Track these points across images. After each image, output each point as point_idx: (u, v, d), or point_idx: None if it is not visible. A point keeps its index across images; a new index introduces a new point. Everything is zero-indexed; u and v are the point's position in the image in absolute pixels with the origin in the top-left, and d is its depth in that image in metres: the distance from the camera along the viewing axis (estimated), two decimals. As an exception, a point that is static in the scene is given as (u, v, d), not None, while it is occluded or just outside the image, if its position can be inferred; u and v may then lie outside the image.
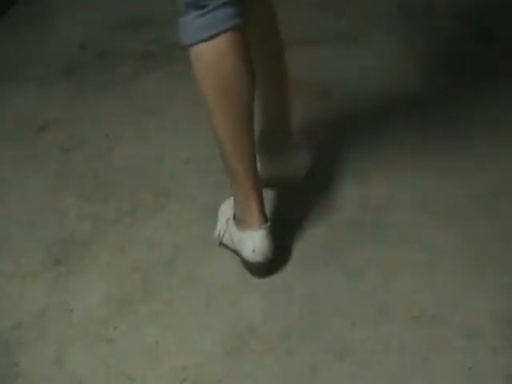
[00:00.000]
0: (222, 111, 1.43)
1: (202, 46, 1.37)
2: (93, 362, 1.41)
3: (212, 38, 1.35)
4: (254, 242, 1.53)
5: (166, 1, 2.89)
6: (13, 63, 2.44)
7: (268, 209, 1.64)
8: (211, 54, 1.38)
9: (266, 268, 1.56)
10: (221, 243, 1.63)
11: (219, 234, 1.63)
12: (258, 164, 1.57)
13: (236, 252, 1.60)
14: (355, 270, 1.58)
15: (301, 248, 1.64)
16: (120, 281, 1.59)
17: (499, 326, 1.44)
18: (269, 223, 1.56)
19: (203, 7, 1.35)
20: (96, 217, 1.76)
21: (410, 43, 2.43)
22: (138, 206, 1.79)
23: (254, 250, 1.53)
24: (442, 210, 1.73)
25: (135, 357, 1.42)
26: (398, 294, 1.52)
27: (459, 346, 1.40)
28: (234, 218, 1.59)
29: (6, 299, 1.56)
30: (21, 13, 2.73)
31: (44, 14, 2.78)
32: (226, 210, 1.64)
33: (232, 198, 1.59)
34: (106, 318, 1.50)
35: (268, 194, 1.77)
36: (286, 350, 1.42)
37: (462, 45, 2.42)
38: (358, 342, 1.42)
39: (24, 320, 1.51)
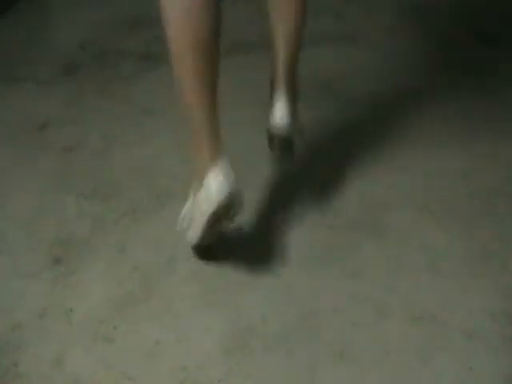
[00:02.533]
0: (188, 59, 1.47)
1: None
2: (93, 362, 1.41)
3: None
4: (209, 186, 1.42)
5: (166, 1, 2.87)
6: (13, 63, 2.44)
7: (268, 208, 1.64)
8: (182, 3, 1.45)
9: (228, 211, 1.46)
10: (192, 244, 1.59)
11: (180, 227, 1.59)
12: None
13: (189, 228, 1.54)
14: (355, 269, 1.58)
15: (301, 248, 1.63)
16: (120, 281, 1.59)
17: (499, 326, 1.44)
18: (225, 156, 1.46)
19: None
20: (96, 217, 1.76)
21: (410, 43, 2.43)
22: (138, 206, 1.79)
23: (209, 194, 1.42)
24: (442, 209, 1.73)
25: (135, 357, 1.42)
26: (398, 294, 1.52)
27: (459, 346, 1.40)
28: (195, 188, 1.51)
29: (6, 299, 1.56)
30: (21, 13, 2.73)
31: (44, 13, 2.78)
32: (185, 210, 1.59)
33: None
34: (106, 318, 1.50)
35: (268, 194, 1.77)
36: (286, 350, 1.42)
37: (462, 45, 2.42)
38: (358, 342, 1.42)
39: (24, 320, 1.50)
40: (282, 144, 1.68)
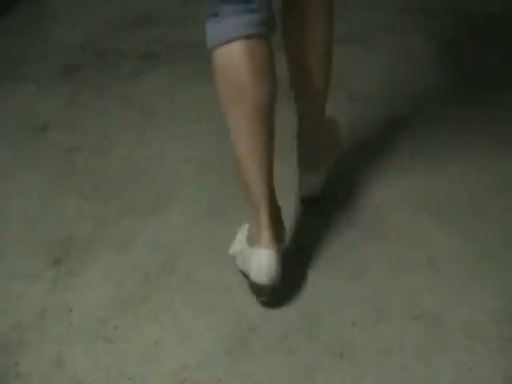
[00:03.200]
0: (232, 112, 1.41)
1: (217, 50, 1.39)
2: (93, 362, 1.41)
3: (225, 43, 1.37)
4: (259, 260, 1.44)
5: (166, 1, 2.90)
6: (13, 63, 2.44)
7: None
8: (223, 59, 1.39)
9: (270, 292, 1.47)
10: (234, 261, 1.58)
11: (233, 254, 1.58)
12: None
13: (245, 274, 1.52)
14: (355, 269, 1.58)
15: (301, 248, 1.63)
16: (120, 281, 1.59)
17: (499, 326, 1.44)
18: (281, 244, 1.48)
19: (216, 15, 1.38)
20: (96, 217, 1.76)
21: (410, 43, 2.43)
22: (138, 206, 1.79)
23: (259, 268, 1.44)
24: (442, 209, 1.73)
25: (135, 357, 1.42)
26: (398, 294, 1.52)
27: (459, 346, 1.40)
28: (247, 234, 1.53)
29: (6, 299, 1.56)
30: (21, 13, 2.74)
31: (44, 14, 2.78)
32: (242, 233, 1.58)
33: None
34: (106, 318, 1.50)
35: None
36: (286, 350, 1.42)
37: (462, 45, 2.42)
38: (358, 342, 1.42)
39: (24, 320, 1.50)
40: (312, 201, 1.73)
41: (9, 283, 1.60)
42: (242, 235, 1.57)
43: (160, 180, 1.87)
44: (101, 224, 1.74)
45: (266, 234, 1.45)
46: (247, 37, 1.36)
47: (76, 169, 1.93)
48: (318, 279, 1.57)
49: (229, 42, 1.36)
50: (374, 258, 1.60)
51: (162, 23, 2.63)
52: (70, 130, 2.09)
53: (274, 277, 1.45)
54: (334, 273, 1.57)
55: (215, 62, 1.40)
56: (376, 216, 1.71)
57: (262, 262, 1.44)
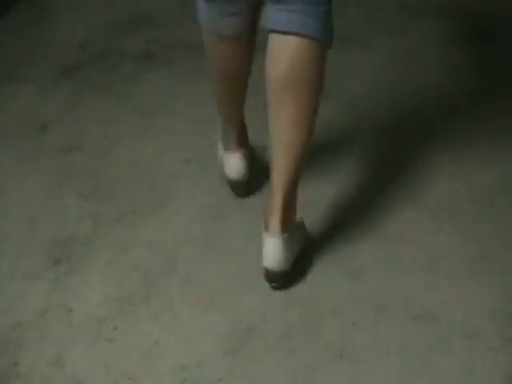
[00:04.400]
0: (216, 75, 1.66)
1: (209, 32, 1.57)
2: (93, 361, 1.41)
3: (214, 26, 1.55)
4: (230, 162, 1.75)
5: (166, 1, 2.90)
6: (13, 63, 2.44)
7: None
8: (216, 45, 1.58)
9: (242, 187, 1.77)
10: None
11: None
12: None
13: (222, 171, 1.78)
14: (355, 269, 1.58)
15: (301, 248, 1.63)
16: (120, 281, 1.59)
17: (499, 325, 1.44)
18: (244, 150, 1.75)
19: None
20: (96, 217, 1.76)
21: (410, 43, 2.43)
22: (138, 206, 1.79)
23: (230, 169, 1.74)
24: (441, 209, 1.73)
25: (135, 357, 1.42)
26: (398, 294, 1.52)
27: (459, 346, 1.40)
28: (222, 140, 1.79)
29: (6, 299, 1.56)
30: (21, 13, 2.73)
31: (44, 14, 2.78)
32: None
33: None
34: (106, 317, 1.50)
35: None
36: (286, 350, 1.42)
37: (462, 45, 2.42)
38: (358, 342, 1.42)
39: (24, 320, 1.51)
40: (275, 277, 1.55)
41: (9, 283, 1.60)
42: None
43: (160, 180, 1.87)
44: (101, 224, 1.74)
45: (234, 142, 1.75)
46: (222, 36, 1.54)
47: (76, 169, 1.93)
48: (318, 279, 1.57)
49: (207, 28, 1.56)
50: (374, 258, 1.60)
51: (162, 23, 2.63)
52: (70, 130, 2.09)
53: (244, 175, 1.75)
54: (334, 273, 1.57)
55: (208, 42, 1.61)
56: (376, 216, 1.71)
57: (233, 163, 1.75)
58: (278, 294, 1.53)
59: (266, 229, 1.51)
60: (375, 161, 1.89)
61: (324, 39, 1.40)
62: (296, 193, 1.53)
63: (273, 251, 1.49)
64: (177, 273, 1.60)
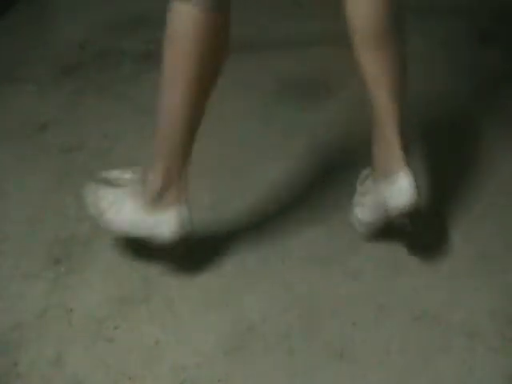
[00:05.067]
0: (173, 70, 1.54)
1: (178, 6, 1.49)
2: (93, 362, 1.41)
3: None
4: (176, 219, 1.49)
5: (166, 1, 2.89)
6: (13, 63, 2.44)
7: (267, 208, 1.63)
8: (173, 24, 1.49)
9: (178, 246, 1.53)
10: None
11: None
12: None
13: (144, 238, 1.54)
14: (355, 270, 1.58)
15: (301, 248, 1.63)
16: (120, 281, 1.59)
17: (499, 325, 1.44)
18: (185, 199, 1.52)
19: None
20: (96, 217, 1.76)
21: (410, 43, 2.43)
22: (138, 206, 1.78)
23: (172, 230, 1.49)
24: (441, 209, 1.73)
25: (135, 357, 1.42)
26: (398, 294, 1.52)
27: (459, 346, 1.40)
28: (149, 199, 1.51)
29: (6, 299, 1.56)
30: (21, 13, 2.73)
31: (44, 14, 2.78)
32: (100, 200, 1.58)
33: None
34: (106, 317, 1.50)
35: (266, 193, 1.77)
36: (286, 350, 1.42)
37: (462, 45, 2.42)
38: (358, 342, 1.42)
39: (24, 320, 1.50)
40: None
41: (9, 283, 1.60)
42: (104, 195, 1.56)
43: (160, 180, 1.87)
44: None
45: (177, 192, 1.51)
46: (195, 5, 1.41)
47: (76, 169, 1.93)
48: (317, 279, 1.57)
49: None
50: (374, 258, 1.60)
51: (162, 23, 2.61)
52: (70, 130, 2.09)
53: (186, 232, 1.51)
54: (334, 273, 1.57)
55: (173, 15, 1.51)
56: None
57: (179, 220, 1.49)
58: (278, 294, 1.53)
59: (392, 171, 1.47)
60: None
61: None
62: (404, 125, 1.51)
63: (409, 187, 1.46)
64: (177, 273, 1.59)
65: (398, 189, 1.47)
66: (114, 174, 1.63)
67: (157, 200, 1.51)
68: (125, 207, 1.53)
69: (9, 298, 1.57)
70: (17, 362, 1.42)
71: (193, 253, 1.64)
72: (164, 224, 1.50)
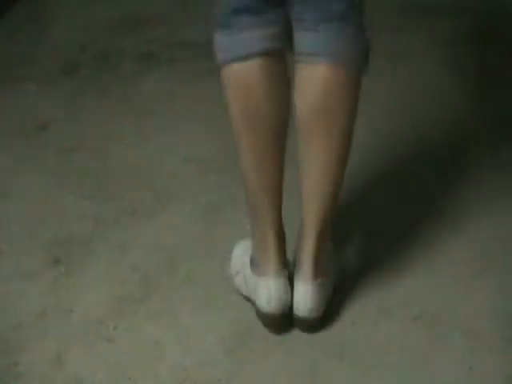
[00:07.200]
0: (247, 136, 1.33)
1: (229, 66, 1.30)
2: (93, 361, 1.41)
3: (239, 60, 1.28)
4: (269, 291, 1.39)
5: (166, 1, 2.90)
6: (13, 63, 2.44)
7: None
8: (238, 80, 1.30)
9: (282, 322, 1.42)
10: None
11: (230, 277, 1.53)
12: None
13: (250, 299, 1.48)
14: (355, 270, 1.58)
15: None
16: (120, 281, 1.59)
17: (499, 326, 1.44)
18: (288, 269, 1.42)
19: (228, 27, 1.28)
20: (96, 217, 1.76)
21: (410, 43, 2.43)
22: (138, 206, 1.79)
23: (269, 301, 1.39)
24: (441, 209, 1.73)
25: (135, 357, 1.42)
26: (398, 294, 1.52)
27: (459, 346, 1.40)
28: (251, 262, 1.46)
29: (6, 299, 1.56)
30: (21, 13, 2.73)
31: (44, 14, 2.78)
32: (241, 253, 1.53)
33: (246, 242, 1.52)
34: (106, 317, 1.50)
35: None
36: (286, 350, 1.42)
37: (461, 45, 2.42)
38: (358, 342, 1.42)
39: (24, 320, 1.50)
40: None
41: (9, 283, 1.60)
42: (241, 253, 1.52)
43: (160, 180, 1.87)
44: (101, 224, 1.74)
45: (274, 261, 1.40)
46: (262, 53, 1.27)
47: (76, 169, 1.93)
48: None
49: (243, 59, 1.27)
50: (374, 258, 1.60)
51: (162, 23, 2.63)
52: (70, 130, 2.09)
53: (285, 306, 1.40)
54: (334, 273, 1.57)
55: (228, 81, 1.30)
56: (376, 216, 1.71)
57: (272, 293, 1.39)
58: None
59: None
60: (374, 160, 1.89)
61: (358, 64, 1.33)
62: (329, 233, 1.42)
63: (304, 298, 1.38)
64: (177, 273, 1.60)
65: (296, 295, 1.39)
66: None
67: (255, 269, 1.44)
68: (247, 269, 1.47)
69: (9, 298, 1.57)
70: (17, 362, 1.42)
71: (193, 253, 1.64)
72: (258, 294, 1.42)
